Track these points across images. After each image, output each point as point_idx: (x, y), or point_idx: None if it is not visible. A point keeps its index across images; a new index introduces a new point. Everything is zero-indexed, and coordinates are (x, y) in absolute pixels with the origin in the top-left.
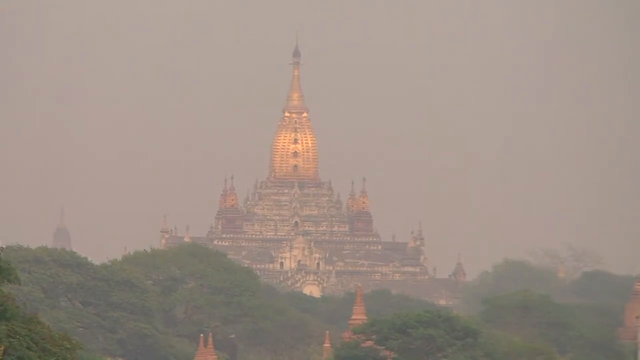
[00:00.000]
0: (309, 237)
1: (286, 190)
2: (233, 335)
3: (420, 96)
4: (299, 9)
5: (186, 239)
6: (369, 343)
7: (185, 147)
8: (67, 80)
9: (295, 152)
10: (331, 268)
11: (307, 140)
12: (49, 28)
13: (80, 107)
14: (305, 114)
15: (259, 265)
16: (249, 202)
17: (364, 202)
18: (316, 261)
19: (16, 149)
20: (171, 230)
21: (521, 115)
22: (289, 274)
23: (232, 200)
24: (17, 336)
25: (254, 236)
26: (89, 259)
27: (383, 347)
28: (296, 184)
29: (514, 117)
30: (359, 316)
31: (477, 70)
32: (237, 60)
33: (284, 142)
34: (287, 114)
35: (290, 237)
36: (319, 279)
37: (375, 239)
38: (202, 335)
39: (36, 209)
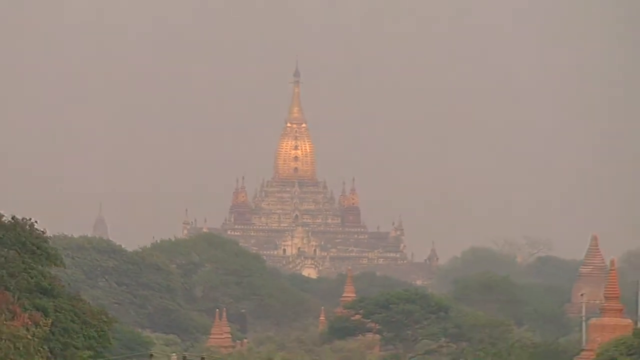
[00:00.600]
0: (307, 228)
1: (288, 189)
2: (243, 310)
3: (402, 110)
4: (299, 35)
5: (204, 230)
6: (357, 317)
7: (203, 152)
8: (100, 83)
9: (296, 156)
10: (325, 254)
11: (305, 146)
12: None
13: (113, 110)
14: (304, 125)
15: (265, 252)
16: (256, 199)
17: (353, 199)
18: (313, 248)
19: (62, 148)
20: (191, 222)
21: (497, 115)
22: (290, 259)
23: (243, 197)
24: (63, 311)
25: (260, 227)
26: (123, 246)
27: (369, 320)
28: (296, 183)
29: (492, 121)
30: (349, 294)
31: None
32: (248, 79)
33: (286, 148)
34: (288, 125)
35: (291, 228)
36: (315, 263)
37: (362, 230)
38: (217, 310)
39: (78, 203)
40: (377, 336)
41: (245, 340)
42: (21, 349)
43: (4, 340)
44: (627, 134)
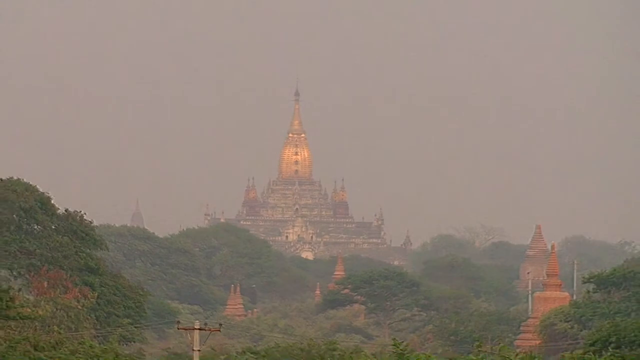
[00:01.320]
0: (305, 219)
1: (289, 187)
2: (254, 286)
3: (383, 122)
4: (299, 62)
5: (221, 220)
6: (346, 291)
7: (222, 157)
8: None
9: (296, 160)
10: (320, 240)
11: (304, 152)
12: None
13: (149, 112)
14: (303, 135)
15: (271, 238)
16: (264, 195)
17: (342, 195)
18: (310, 235)
19: (109, 148)
20: (211, 214)
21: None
22: (292, 244)
23: (253, 193)
24: (106, 286)
25: (267, 218)
26: (155, 234)
27: (356, 294)
28: (296, 182)
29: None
30: (339, 273)
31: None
32: (258, 98)
33: (288, 154)
34: (290, 135)
35: (292, 218)
36: (312, 248)
37: (350, 220)
38: (232, 285)
39: (120, 197)
40: (362, 306)
41: (255, 310)
42: (72, 317)
43: (58, 310)
44: (580, 127)
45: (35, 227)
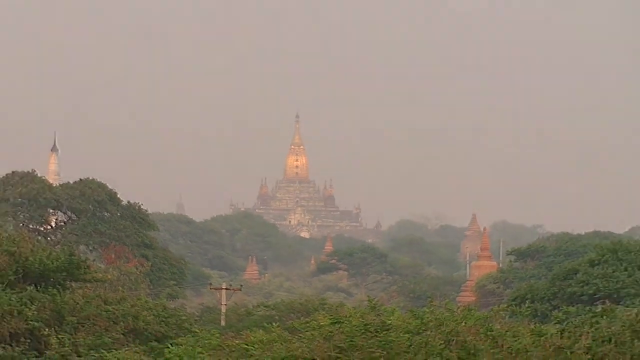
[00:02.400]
0: (303, 208)
1: (292, 185)
2: (265, 257)
3: (363, 134)
4: (299, 91)
5: (242, 209)
6: (333, 261)
7: (242, 163)
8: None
9: (297, 166)
10: (314, 223)
11: (303, 160)
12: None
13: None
14: (302, 147)
15: (278, 222)
16: (273, 190)
17: (330, 191)
18: (307, 220)
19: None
20: (234, 204)
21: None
22: (293, 227)
23: (265, 189)
24: (157, 257)
25: (275, 207)
26: (193, 219)
27: (340, 263)
28: (297, 182)
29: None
30: (328, 248)
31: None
32: (268, 118)
33: (291, 161)
34: (292, 146)
35: (294, 208)
36: (308, 229)
37: (336, 209)
38: (250, 257)
39: (167, 192)
40: (345, 272)
41: (266, 275)
42: (132, 280)
43: (122, 275)
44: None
45: (105, 214)
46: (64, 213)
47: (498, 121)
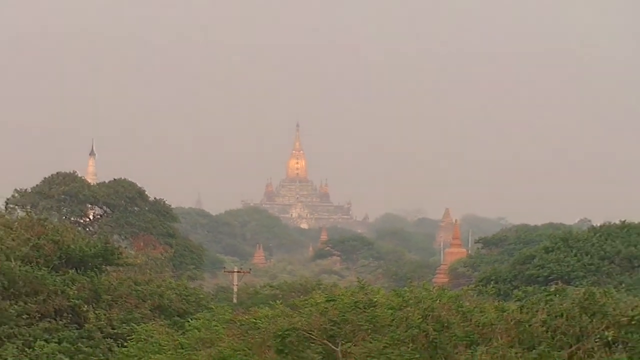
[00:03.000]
0: (302, 203)
1: (293, 184)
2: (271, 244)
3: (352, 141)
4: (299, 105)
5: (251, 204)
6: (328, 248)
7: (251, 165)
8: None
9: (297, 167)
10: (312, 216)
11: (302, 163)
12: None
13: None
14: (301, 151)
15: (281, 215)
16: (277, 188)
17: (325, 189)
18: (306, 214)
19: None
20: (244, 200)
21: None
22: (294, 219)
23: (270, 188)
24: (179, 245)
25: (279, 203)
26: (210, 213)
27: (334, 250)
28: (297, 181)
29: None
30: (324, 237)
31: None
32: (275, 128)
33: (292, 163)
34: (293, 151)
35: (294, 203)
36: (307, 221)
37: (330, 204)
38: (258, 244)
39: (188, 190)
40: (338, 258)
41: (271, 260)
42: (158, 264)
43: (149, 260)
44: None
45: (135, 208)
46: (100, 208)
47: (469, 124)
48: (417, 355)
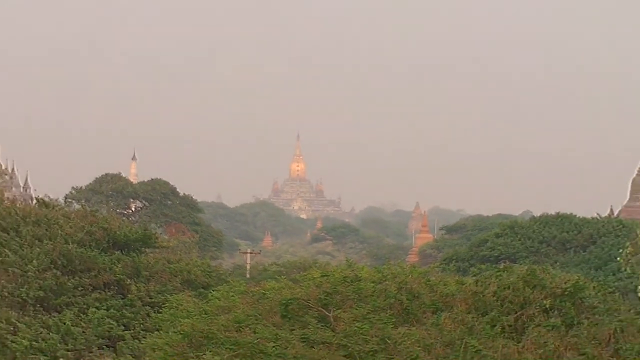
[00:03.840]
0: (302, 198)
1: (294, 183)
2: (277, 231)
3: (344, 147)
4: (300, 117)
5: (261, 199)
6: (322, 235)
7: (262, 168)
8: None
9: (298, 169)
10: (310, 209)
11: (302, 165)
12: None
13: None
14: (301, 157)
15: (285, 208)
16: (282, 186)
17: (320, 187)
18: (305, 206)
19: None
20: (256, 196)
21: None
22: (295, 211)
23: (276, 186)
24: (203, 232)
25: (283, 198)
26: (228, 205)
27: (327, 235)
28: (298, 180)
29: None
30: (319, 225)
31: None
32: (279, 136)
33: (294, 166)
34: (295, 156)
35: (295, 198)
36: (305, 213)
37: (324, 199)
38: (266, 231)
39: (210, 187)
40: (330, 242)
41: (277, 243)
42: (187, 247)
43: (179, 244)
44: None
45: (168, 202)
46: (140, 202)
47: (435, 122)
48: (394, 320)
